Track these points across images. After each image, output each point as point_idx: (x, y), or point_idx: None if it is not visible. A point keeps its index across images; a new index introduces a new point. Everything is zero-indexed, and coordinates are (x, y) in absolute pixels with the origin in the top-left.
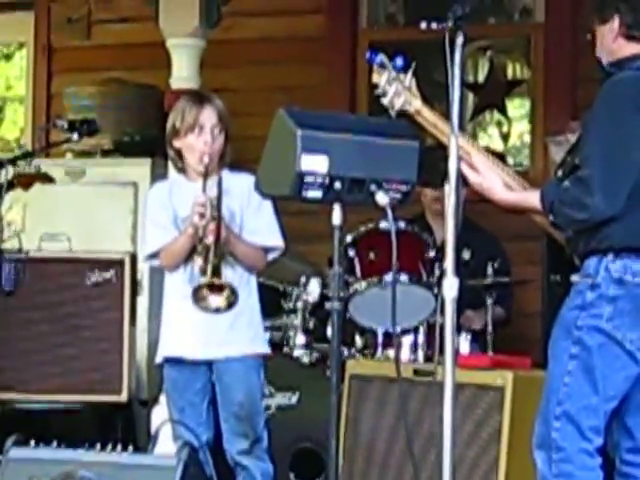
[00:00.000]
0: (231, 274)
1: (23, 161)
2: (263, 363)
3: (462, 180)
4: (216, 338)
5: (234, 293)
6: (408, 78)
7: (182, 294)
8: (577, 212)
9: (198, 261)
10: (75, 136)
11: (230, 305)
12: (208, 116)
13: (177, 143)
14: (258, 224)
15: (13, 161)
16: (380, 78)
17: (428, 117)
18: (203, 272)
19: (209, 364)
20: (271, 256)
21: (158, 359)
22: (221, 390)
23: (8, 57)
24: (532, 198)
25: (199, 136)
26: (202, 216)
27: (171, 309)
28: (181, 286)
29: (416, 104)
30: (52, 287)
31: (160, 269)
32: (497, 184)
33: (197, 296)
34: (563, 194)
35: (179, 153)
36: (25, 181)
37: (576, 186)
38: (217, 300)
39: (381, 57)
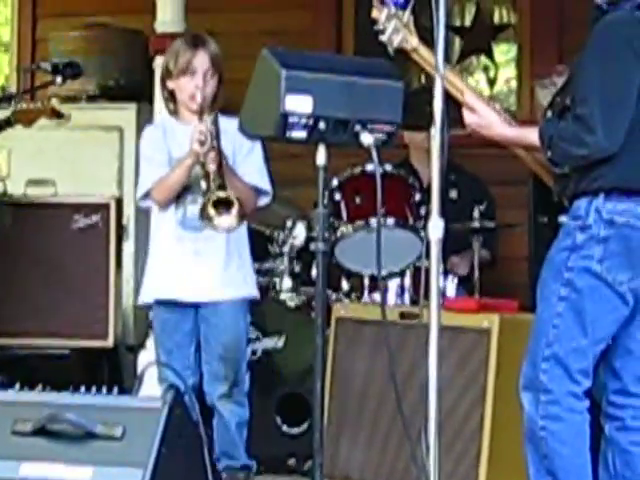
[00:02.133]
0: None
1: (6, 104)
2: (250, 306)
3: (449, 120)
4: (207, 281)
5: (242, 207)
6: (407, 15)
7: (173, 236)
8: (576, 148)
9: (193, 200)
10: (59, 79)
11: (241, 219)
12: (201, 60)
13: (170, 84)
14: (249, 167)
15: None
16: (380, 14)
17: (424, 55)
18: (205, 193)
19: (197, 306)
20: (261, 202)
21: (145, 299)
22: (207, 331)
23: None
24: (531, 134)
25: (191, 79)
26: (202, 144)
27: (160, 250)
28: (173, 228)
29: (413, 41)
30: (37, 232)
31: (147, 213)
32: (495, 120)
33: (204, 215)
34: (562, 131)
35: (172, 94)
36: (29, 117)
37: (575, 123)
38: (227, 220)
39: None
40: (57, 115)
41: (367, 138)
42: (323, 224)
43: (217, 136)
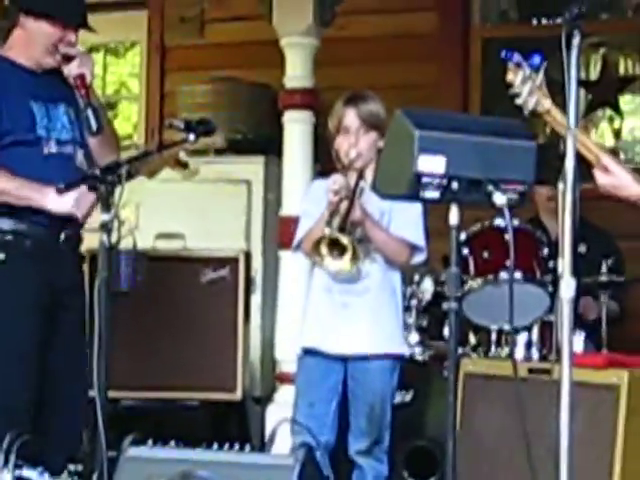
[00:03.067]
0: (369, 266)
1: (143, 160)
2: (400, 364)
3: (579, 176)
4: (354, 334)
5: (356, 256)
6: (540, 77)
7: (325, 287)
8: None
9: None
10: (192, 136)
11: (355, 266)
12: (351, 119)
13: (334, 144)
14: (405, 220)
15: (130, 162)
16: (515, 77)
17: (557, 116)
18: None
19: (344, 360)
20: (417, 258)
21: (297, 349)
22: (355, 388)
23: (118, 54)
24: None
25: (344, 138)
26: (335, 193)
27: (314, 301)
28: (325, 279)
29: (546, 104)
30: (167, 285)
31: (275, 266)
32: (630, 180)
33: (315, 251)
34: None
35: (336, 153)
36: (150, 169)
37: None
38: (337, 264)
39: (517, 56)
40: (181, 165)
41: (500, 198)
42: (456, 283)
43: (354, 190)
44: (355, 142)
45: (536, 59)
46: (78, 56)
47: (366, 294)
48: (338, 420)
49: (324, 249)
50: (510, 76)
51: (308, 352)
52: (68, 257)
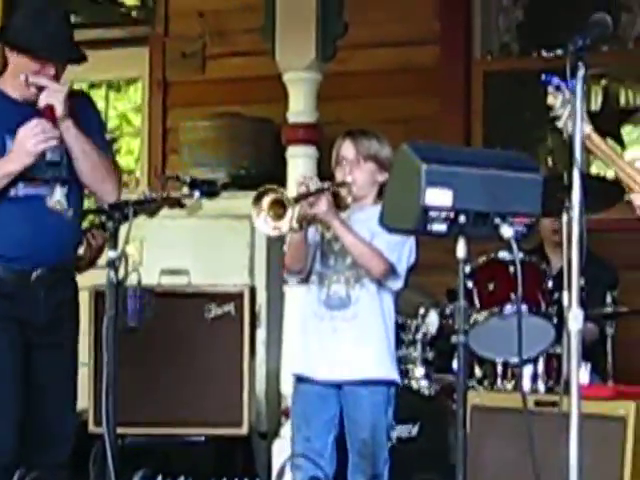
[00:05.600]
0: (359, 291)
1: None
2: (394, 392)
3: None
4: (343, 359)
5: (291, 227)
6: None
7: (316, 313)
8: None
9: (337, 280)
10: (197, 194)
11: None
12: (346, 149)
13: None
14: (385, 241)
15: (139, 203)
16: (556, 101)
17: (596, 141)
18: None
19: (338, 388)
20: (391, 284)
21: (286, 382)
22: (347, 422)
23: (119, 90)
24: None
25: (340, 169)
26: (300, 184)
27: (304, 328)
28: (316, 305)
29: (587, 128)
30: (173, 321)
31: (279, 300)
32: None
33: (257, 202)
34: None
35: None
36: (151, 208)
37: None
38: (268, 224)
39: (557, 79)
40: (179, 205)
41: (507, 231)
42: (464, 316)
43: (325, 188)
44: (349, 171)
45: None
46: (48, 86)
47: (355, 319)
48: (337, 453)
49: (265, 203)
50: (550, 99)
51: (300, 380)
52: (40, 296)
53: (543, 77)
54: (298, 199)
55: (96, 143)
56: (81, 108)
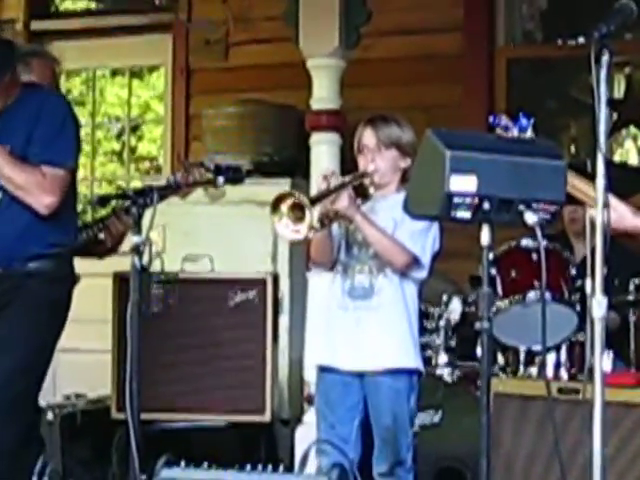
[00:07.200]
0: (382, 281)
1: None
2: (417, 380)
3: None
4: (367, 349)
5: (311, 229)
6: (529, 136)
7: (340, 304)
8: None
9: (360, 270)
10: (221, 180)
11: (306, 233)
12: (368, 137)
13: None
14: (408, 231)
15: (162, 189)
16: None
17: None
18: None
19: (360, 377)
20: (415, 274)
21: (309, 369)
22: (370, 409)
23: (142, 77)
24: None
25: (362, 156)
26: (324, 178)
27: (328, 318)
28: (340, 296)
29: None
30: (196, 308)
31: (302, 287)
32: (626, 212)
33: (276, 207)
34: None
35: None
36: (184, 190)
37: None
38: (289, 228)
39: (505, 120)
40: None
41: (531, 218)
42: (488, 303)
43: (346, 183)
44: (372, 159)
45: (523, 121)
46: None
47: (379, 309)
48: (363, 438)
49: (285, 208)
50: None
51: (324, 370)
52: None
53: (491, 119)
54: (319, 198)
55: (33, 151)
56: (33, 106)
